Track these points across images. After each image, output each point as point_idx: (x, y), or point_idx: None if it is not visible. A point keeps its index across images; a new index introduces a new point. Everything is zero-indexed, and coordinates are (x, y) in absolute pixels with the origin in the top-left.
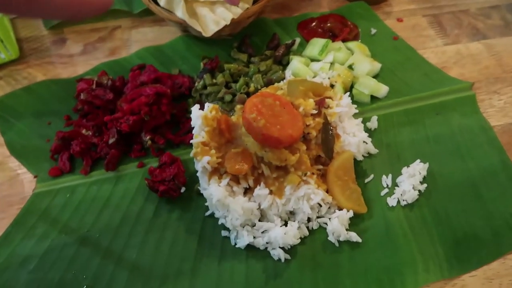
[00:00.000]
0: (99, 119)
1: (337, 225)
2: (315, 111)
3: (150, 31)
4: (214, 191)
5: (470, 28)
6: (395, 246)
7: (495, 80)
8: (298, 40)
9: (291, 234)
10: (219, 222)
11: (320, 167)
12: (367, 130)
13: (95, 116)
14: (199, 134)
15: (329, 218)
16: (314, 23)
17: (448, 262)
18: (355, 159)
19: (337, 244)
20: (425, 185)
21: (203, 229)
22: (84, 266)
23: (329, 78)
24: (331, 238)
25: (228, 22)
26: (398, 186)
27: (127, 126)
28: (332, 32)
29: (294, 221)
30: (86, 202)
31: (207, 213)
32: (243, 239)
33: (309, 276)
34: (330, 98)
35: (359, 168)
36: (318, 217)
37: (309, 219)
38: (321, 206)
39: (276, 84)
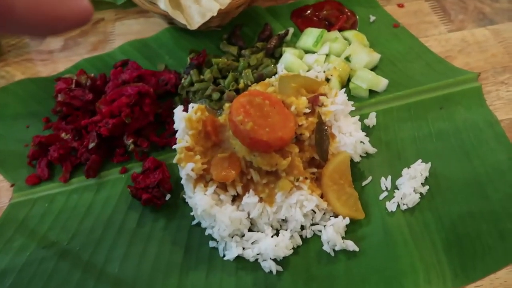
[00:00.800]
0: (79, 122)
1: (333, 234)
2: (308, 110)
3: (135, 23)
4: (199, 200)
5: (476, 13)
6: (395, 255)
7: (503, 70)
8: (291, 30)
9: (283, 245)
10: (206, 233)
11: (314, 170)
12: (365, 127)
13: (74, 118)
14: (183, 138)
15: (324, 226)
16: (309, 11)
17: (452, 271)
18: (352, 161)
19: (332, 254)
20: (427, 187)
21: (190, 239)
22: (64, 281)
23: (324, 72)
24: (326, 247)
25: (215, 14)
26: (398, 189)
27: (107, 130)
28: (328, 20)
29: (286, 229)
30: (66, 212)
31: (194, 222)
32: (231, 251)
33: None
34: (324, 95)
35: (356, 169)
36: (312, 225)
37: (302, 227)
38: (315, 212)
39: (267, 80)
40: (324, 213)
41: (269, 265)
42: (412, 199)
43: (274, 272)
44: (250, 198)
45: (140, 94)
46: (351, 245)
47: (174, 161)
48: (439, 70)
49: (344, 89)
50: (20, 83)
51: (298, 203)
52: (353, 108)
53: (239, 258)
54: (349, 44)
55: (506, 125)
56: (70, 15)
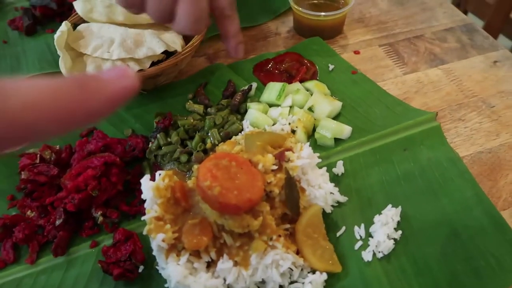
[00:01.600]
0: (45, 198)
1: None
2: (275, 167)
3: None
4: (173, 271)
5: (428, 54)
6: None
7: (459, 107)
8: (254, 85)
9: None
10: None
11: (288, 226)
12: (334, 176)
13: (40, 194)
14: (152, 208)
15: (303, 283)
16: (270, 65)
17: None
18: (324, 212)
19: None
20: (400, 231)
21: None
22: None
23: (289, 124)
24: None
25: None
26: (372, 237)
27: (73, 206)
28: (289, 72)
29: None
30: None
31: None
32: None
33: None
34: (290, 149)
35: (330, 220)
36: (291, 283)
37: (281, 287)
38: (292, 270)
39: (233, 138)
40: (301, 270)
41: None
42: (386, 246)
43: None
44: (224, 264)
45: (107, 165)
46: None
47: (144, 232)
48: (399, 112)
49: (308, 143)
50: None
51: (274, 263)
52: (319, 160)
53: None
54: (311, 95)
55: (468, 161)
56: (108, 102)
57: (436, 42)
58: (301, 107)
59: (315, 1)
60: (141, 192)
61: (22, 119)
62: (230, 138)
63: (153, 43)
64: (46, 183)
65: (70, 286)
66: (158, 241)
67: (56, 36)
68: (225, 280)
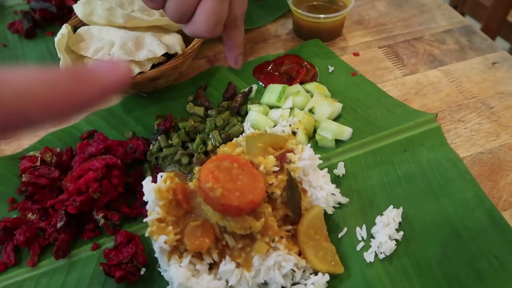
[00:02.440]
0: (46, 201)
1: None
2: (277, 168)
3: None
4: (175, 273)
5: (427, 56)
6: None
7: (458, 108)
8: (255, 86)
9: None
10: None
11: (290, 227)
12: (335, 177)
13: (41, 197)
14: (153, 210)
15: (305, 285)
16: (270, 67)
17: None
18: (326, 213)
19: None
20: (401, 232)
21: None
22: None
23: (290, 126)
24: None
25: None
26: (373, 238)
27: (74, 208)
28: (288, 74)
29: None
30: None
31: None
32: None
33: None
34: (291, 151)
35: (331, 221)
36: (293, 284)
37: None
38: (294, 271)
39: (234, 140)
40: (304, 271)
41: None
42: (388, 247)
43: None
44: (226, 266)
45: (108, 167)
46: None
47: (146, 234)
48: (399, 114)
49: (310, 144)
50: None
51: (276, 264)
52: (321, 161)
53: None
54: (311, 96)
55: (468, 162)
56: (101, 91)
57: (435, 44)
58: (302, 109)
59: (314, 3)
60: (142, 194)
61: (16, 107)
62: (231, 140)
63: (154, 45)
64: (47, 186)
65: None
66: (160, 243)
67: (56, 39)
68: (227, 281)
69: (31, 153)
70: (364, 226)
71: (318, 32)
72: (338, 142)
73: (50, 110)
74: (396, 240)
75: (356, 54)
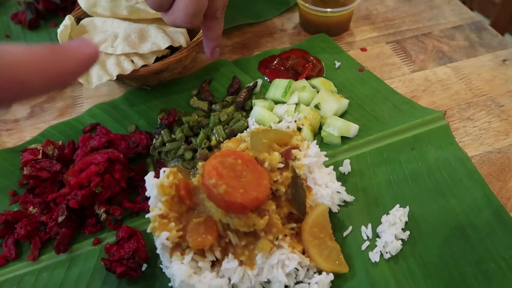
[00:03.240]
0: (47, 194)
1: None
2: (281, 165)
3: (103, 85)
4: (177, 270)
5: (436, 52)
6: None
7: (467, 106)
8: (260, 81)
9: None
10: None
11: (294, 225)
12: (340, 175)
13: (42, 190)
14: (156, 205)
15: (309, 283)
16: (275, 61)
17: None
18: (331, 211)
19: None
20: (408, 232)
21: None
22: None
23: (295, 121)
24: None
25: (114, 78)
26: (379, 237)
27: (76, 202)
28: (294, 69)
29: None
30: None
31: None
32: None
33: None
34: (296, 147)
35: (336, 220)
36: (296, 283)
37: (286, 287)
38: (298, 270)
39: (239, 135)
40: (307, 270)
41: None
42: (394, 246)
43: None
44: (229, 263)
45: (110, 161)
46: None
47: (148, 230)
48: (406, 111)
49: (315, 141)
50: None
51: (280, 263)
52: (326, 159)
53: None
54: (318, 92)
55: (477, 161)
56: (78, 65)
57: (444, 40)
58: (307, 105)
59: None
60: (144, 189)
61: (15, 75)
62: (235, 135)
63: (158, 38)
64: (49, 179)
65: (73, 283)
66: (162, 239)
67: (59, 30)
68: (230, 279)
69: (32, 146)
70: (369, 225)
71: (325, 26)
72: (344, 139)
73: (45, 78)
74: (402, 240)
75: (363, 50)
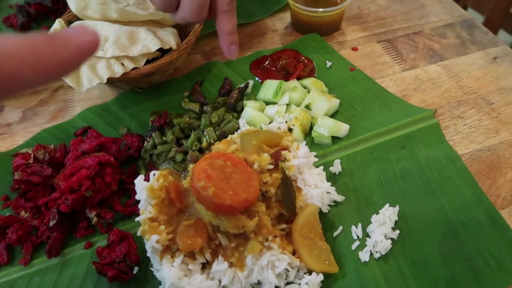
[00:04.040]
0: (39, 198)
1: None
2: (271, 166)
3: (95, 87)
4: (167, 273)
5: (427, 50)
6: None
7: (458, 104)
8: (251, 82)
9: None
10: None
11: (284, 226)
12: (331, 175)
13: (34, 194)
14: (146, 209)
15: (299, 284)
16: (267, 62)
17: None
18: (321, 211)
19: None
20: (397, 231)
21: None
22: None
23: (286, 122)
24: None
25: (104, 81)
26: (369, 237)
27: (66, 207)
28: (286, 70)
29: None
30: None
31: None
32: None
33: None
34: (286, 148)
35: (326, 220)
36: (287, 284)
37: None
38: (288, 271)
39: (230, 137)
40: (298, 270)
41: None
42: (384, 246)
43: None
44: (219, 265)
45: (101, 164)
46: None
47: (138, 233)
48: (397, 110)
49: (305, 142)
50: None
51: (270, 264)
52: (316, 159)
53: None
54: (308, 92)
55: (467, 159)
56: (75, 55)
57: (435, 38)
58: (298, 105)
59: None
60: (136, 192)
61: (7, 68)
62: (226, 137)
63: (148, 40)
64: (40, 183)
65: (64, 287)
66: (152, 242)
67: None
68: (220, 281)
69: (24, 150)
70: (359, 225)
71: (316, 26)
72: (334, 139)
73: (35, 71)
74: (392, 239)
75: (354, 49)
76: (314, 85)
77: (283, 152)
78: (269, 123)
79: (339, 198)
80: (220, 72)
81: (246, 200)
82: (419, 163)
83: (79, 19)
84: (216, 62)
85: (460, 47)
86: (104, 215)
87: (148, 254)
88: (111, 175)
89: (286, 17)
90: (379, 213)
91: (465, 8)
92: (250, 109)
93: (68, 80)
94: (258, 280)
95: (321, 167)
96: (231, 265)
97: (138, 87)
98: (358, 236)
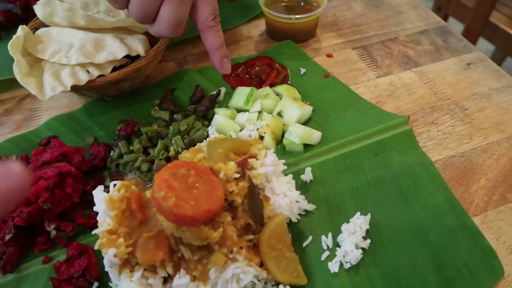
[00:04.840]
0: None
1: None
2: (238, 175)
3: (63, 96)
4: None
5: (401, 57)
6: None
7: (431, 110)
8: (223, 90)
9: None
10: None
11: (251, 237)
12: (302, 183)
13: None
14: (104, 221)
15: None
16: (240, 69)
17: None
18: (291, 221)
19: None
20: (368, 240)
21: None
22: None
23: (257, 130)
24: None
25: (68, 89)
26: (339, 247)
27: (21, 220)
28: (259, 77)
29: None
30: None
31: None
32: None
33: None
34: (254, 157)
35: (296, 229)
36: None
37: None
38: (255, 284)
39: (198, 145)
40: (265, 283)
41: None
42: (354, 256)
43: None
44: (181, 279)
45: (61, 175)
46: None
47: (96, 247)
48: (371, 117)
49: (273, 149)
50: None
51: (234, 276)
52: (285, 167)
53: None
54: (281, 99)
55: (440, 165)
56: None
57: (410, 44)
58: (270, 112)
59: (288, 4)
60: None
61: None
62: (194, 145)
63: (114, 47)
64: None
65: None
66: (109, 256)
67: (10, 41)
68: None
69: None
70: (330, 234)
71: (291, 33)
72: (307, 146)
73: None
74: (363, 249)
75: (329, 56)
76: (287, 92)
77: (250, 160)
78: (240, 130)
79: (309, 207)
80: (192, 80)
81: (209, 210)
82: (392, 170)
83: (46, 25)
84: (188, 69)
85: (434, 54)
86: (64, 228)
87: (106, 269)
88: (72, 186)
89: (261, 24)
90: (349, 222)
91: (446, 17)
92: (220, 116)
93: (30, 88)
94: None
95: (290, 175)
96: (194, 278)
97: (107, 95)
98: (328, 246)
